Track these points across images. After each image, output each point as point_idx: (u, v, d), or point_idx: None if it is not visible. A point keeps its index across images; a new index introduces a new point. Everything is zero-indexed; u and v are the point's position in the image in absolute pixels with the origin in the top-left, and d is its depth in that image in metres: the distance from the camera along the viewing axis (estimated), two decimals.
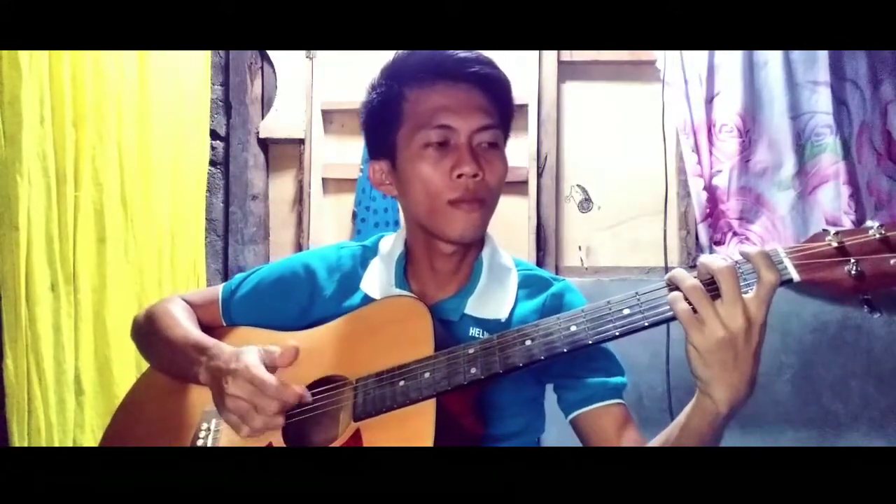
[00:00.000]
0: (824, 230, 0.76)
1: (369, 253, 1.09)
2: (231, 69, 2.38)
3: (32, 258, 1.48)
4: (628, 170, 2.34)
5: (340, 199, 2.43)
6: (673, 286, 0.76)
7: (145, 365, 1.12)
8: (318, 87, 2.38)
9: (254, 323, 1.07)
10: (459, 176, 0.93)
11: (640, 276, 2.29)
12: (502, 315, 0.99)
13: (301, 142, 2.40)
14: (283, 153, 2.47)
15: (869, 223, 0.74)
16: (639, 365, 2.10)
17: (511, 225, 2.29)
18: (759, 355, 0.73)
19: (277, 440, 0.89)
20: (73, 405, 1.57)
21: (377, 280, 1.03)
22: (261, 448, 0.89)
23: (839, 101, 2.15)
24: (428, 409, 0.83)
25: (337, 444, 0.87)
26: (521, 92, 2.27)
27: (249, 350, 0.93)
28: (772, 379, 2.15)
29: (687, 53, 2.21)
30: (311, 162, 2.38)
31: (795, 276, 0.74)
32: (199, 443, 0.96)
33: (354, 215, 2.34)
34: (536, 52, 2.31)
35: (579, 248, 2.36)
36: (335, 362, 0.95)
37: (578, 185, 2.38)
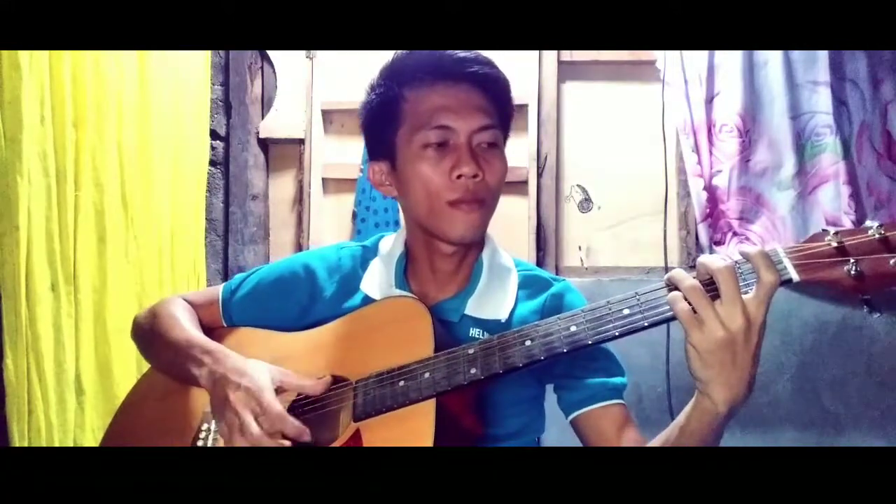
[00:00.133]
0: (824, 230, 0.76)
1: (369, 253, 1.09)
2: (231, 69, 2.38)
3: (33, 258, 1.48)
4: (628, 170, 2.34)
5: (340, 199, 2.43)
6: (672, 286, 0.76)
7: (146, 365, 1.12)
8: (318, 87, 2.38)
9: (253, 323, 1.07)
10: (459, 176, 0.93)
11: (640, 276, 2.29)
12: (502, 316, 0.99)
13: (301, 142, 2.40)
14: (283, 153, 2.47)
15: (868, 223, 0.74)
16: (639, 365, 2.10)
17: (511, 225, 2.29)
18: (758, 356, 0.74)
19: None
20: (73, 405, 1.57)
21: (377, 281, 1.03)
22: (261, 448, 0.89)
23: (839, 101, 2.15)
24: (428, 409, 0.83)
25: (337, 444, 0.87)
26: (521, 92, 2.27)
27: (262, 369, 0.92)
28: (772, 379, 2.15)
29: (687, 53, 2.21)
30: (311, 162, 2.38)
31: (795, 276, 0.74)
32: (199, 443, 0.96)
33: (354, 215, 2.34)
34: (536, 52, 2.31)
35: (579, 248, 2.36)
36: (335, 362, 0.95)
37: (578, 185, 2.38)
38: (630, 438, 0.95)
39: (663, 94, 2.22)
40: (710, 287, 0.73)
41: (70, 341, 1.57)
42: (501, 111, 1.00)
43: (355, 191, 2.34)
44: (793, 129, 2.16)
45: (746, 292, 0.72)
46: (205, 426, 0.97)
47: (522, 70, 2.30)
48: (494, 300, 1.00)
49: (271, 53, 2.42)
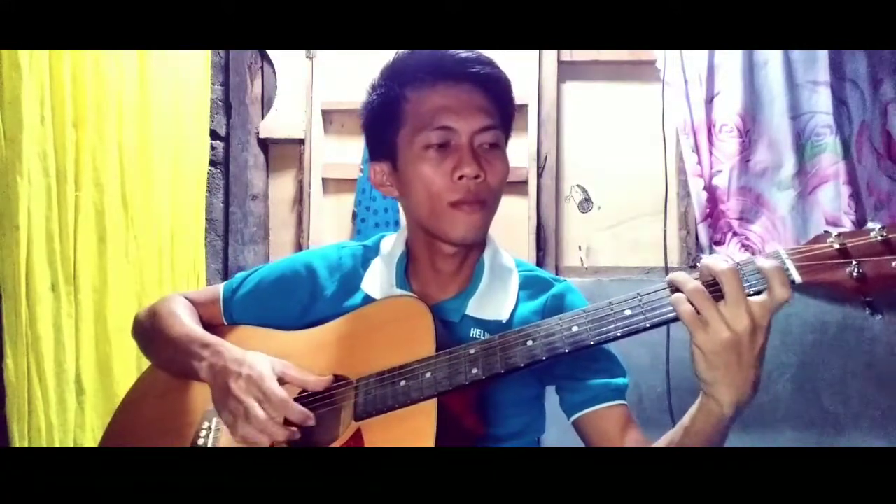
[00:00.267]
0: (826, 232, 0.76)
1: (370, 253, 1.09)
2: (231, 69, 2.38)
3: (33, 258, 1.48)
4: (628, 170, 2.34)
5: (340, 199, 2.43)
6: (674, 288, 0.76)
7: (146, 365, 1.12)
8: (318, 87, 2.38)
9: (254, 322, 1.07)
10: (461, 177, 0.93)
11: (640, 277, 2.29)
12: (503, 316, 0.99)
13: (301, 142, 2.40)
14: (283, 153, 2.47)
15: (871, 225, 0.74)
16: (639, 366, 2.10)
17: (511, 225, 2.29)
18: (762, 357, 0.74)
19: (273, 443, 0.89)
20: (73, 405, 1.57)
21: (378, 280, 1.03)
22: (261, 448, 0.89)
23: (839, 101, 2.15)
24: (429, 408, 0.83)
25: (338, 443, 0.87)
26: (521, 92, 2.27)
27: (262, 358, 0.93)
28: (772, 379, 2.15)
29: (687, 53, 2.21)
30: (311, 162, 2.38)
31: (797, 278, 0.74)
32: (200, 442, 0.96)
33: (354, 215, 2.34)
34: (536, 52, 2.31)
35: (579, 248, 2.36)
36: (336, 362, 0.95)
37: (578, 185, 2.38)
38: (633, 439, 0.95)
39: (663, 94, 2.22)
40: (713, 289, 0.73)
41: (70, 341, 1.57)
42: (503, 111, 0.99)
43: (355, 191, 2.34)
44: (793, 129, 2.16)
45: (749, 294, 0.72)
46: (206, 424, 0.97)
47: (522, 70, 2.30)
48: (496, 301, 1.00)
49: (271, 53, 2.42)
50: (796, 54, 2.16)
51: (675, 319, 0.75)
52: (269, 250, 2.46)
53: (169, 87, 1.95)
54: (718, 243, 2.22)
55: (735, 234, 2.21)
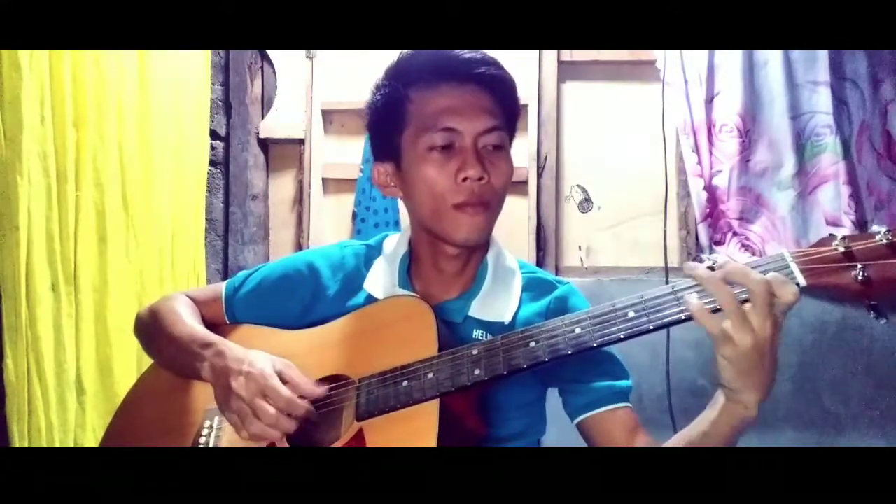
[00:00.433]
0: (831, 235, 0.76)
1: (373, 252, 1.09)
2: (231, 69, 2.38)
3: (33, 258, 1.48)
4: (628, 170, 2.34)
5: (340, 199, 2.43)
6: (680, 292, 0.76)
7: (146, 364, 1.12)
8: (318, 87, 2.38)
9: (256, 321, 1.07)
10: (464, 179, 0.93)
11: (640, 277, 2.29)
12: (506, 318, 0.99)
13: (301, 142, 2.40)
14: (283, 153, 2.47)
15: (876, 228, 0.73)
16: (639, 366, 2.10)
17: (511, 225, 2.29)
18: (777, 357, 0.75)
19: (280, 439, 0.89)
20: (73, 405, 1.57)
21: (381, 280, 1.03)
22: (262, 448, 0.89)
23: (839, 101, 2.15)
24: (432, 409, 0.83)
25: (339, 443, 0.87)
26: (521, 92, 2.23)
27: (263, 357, 0.92)
28: None
29: (687, 53, 2.21)
30: (311, 162, 2.38)
31: (802, 281, 0.74)
32: (202, 441, 0.96)
33: (354, 215, 2.34)
34: (536, 52, 2.31)
35: (579, 248, 2.36)
36: (338, 361, 0.95)
37: (578, 185, 2.38)
38: (641, 442, 0.95)
39: (663, 94, 2.22)
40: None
41: (70, 341, 1.57)
42: (507, 112, 0.99)
43: (355, 191, 2.34)
44: (793, 129, 2.16)
45: (743, 299, 0.72)
46: (207, 423, 0.97)
47: (522, 70, 2.29)
48: (498, 302, 1.00)
49: (271, 53, 2.42)
50: (796, 54, 2.16)
51: (679, 322, 0.75)
52: (269, 250, 2.46)
53: (169, 87, 1.95)
54: (718, 243, 2.22)
55: (735, 234, 2.21)
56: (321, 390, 0.91)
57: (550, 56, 2.33)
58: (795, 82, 2.16)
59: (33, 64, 1.47)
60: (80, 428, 1.58)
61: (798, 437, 2.13)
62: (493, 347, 0.84)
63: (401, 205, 2.24)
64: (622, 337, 0.78)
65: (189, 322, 1.04)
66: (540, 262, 2.27)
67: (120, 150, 1.73)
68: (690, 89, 2.21)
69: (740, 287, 0.73)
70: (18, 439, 1.45)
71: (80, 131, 1.61)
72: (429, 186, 0.94)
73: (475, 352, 0.85)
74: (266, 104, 2.45)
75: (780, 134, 2.16)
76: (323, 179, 2.41)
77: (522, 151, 2.29)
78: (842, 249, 0.74)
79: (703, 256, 2.26)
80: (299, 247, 2.41)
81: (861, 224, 2.12)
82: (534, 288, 1.04)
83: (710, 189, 2.21)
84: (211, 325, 1.07)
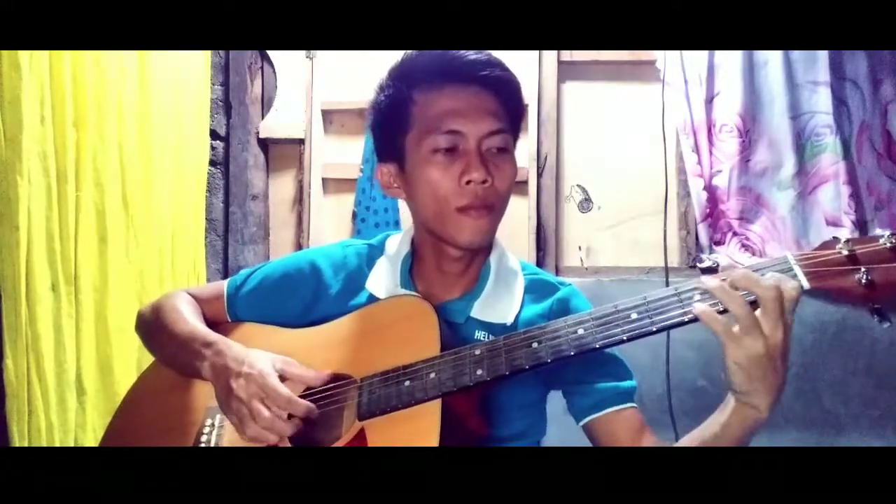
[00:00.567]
0: (834, 238, 0.75)
1: (375, 252, 1.08)
2: (231, 69, 2.38)
3: (33, 258, 1.48)
4: (628, 170, 2.34)
5: (340, 199, 2.43)
6: (682, 294, 0.76)
7: (146, 364, 1.12)
8: (318, 87, 2.38)
9: (258, 319, 1.06)
10: (468, 182, 0.92)
11: (640, 277, 2.29)
12: (508, 319, 0.99)
13: (301, 142, 2.40)
14: (283, 153, 2.47)
15: (879, 231, 0.73)
16: (639, 365, 2.07)
17: (511, 225, 2.28)
18: (788, 359, 0.75)
19: (277, 442, 0.89)
20: (74, 405, 1.57)
21: (383, 280, 1.03)
22: (263, 447, 0.89)
23: (839, 101, 2.15)
24: (433, 409, 0.83)
25: (341, 443, 0.87)
26: (522, 92, 2.27)
27: (263, 356, 0.92)
28: None
29: (687, 53, 2.21)
30: (311, 162, 2.38)
31: (805, 284, 0.74)
32: (203, 439, 0.95)
33: (354, 215, 2.34)
34: (536, 52, 2.31)
35: (579, 248, 2.36)
36: (340, 361, 0.95)
37: (578, 185, 2.38)
38: (648, 442, 0.95)
39: (663, 94, 2.22)
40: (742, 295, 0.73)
41: (70, 341, 1.57)
42: (512, 114, 0.98)
43: (355, 191, 2.34)
44: (793, 129, 2.16)
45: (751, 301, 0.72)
46: (209, 422, 0.97)
47: (522, 70, 2.29)
48: (501, 304, 1.00)
49: (271, 53, 2.42)
50: (796, 54, 2.16)
51: (682, 323, 0.75)
52: (269, 250, 2.46)
53: (169, 87, 1.95)
54: (718, 243, 2.22)
55: (735, 234, 2.21)
56: (324, 374, 0.91)
57: (550, 56, 2.33)
58: (795, 82, 2.16)
59: (33, 64, 1.47)
60: (80, 428, 1.58)
61: (798, 437, 2.13)
62: (496, 348, 0.84)
63: (401, 205, 2.24)
64: (625, 338, 0.78)
65: (190, 320, 1.04)
66: (540, 263, 2.26)
67: (120, 150, 1.73)
68: (690, 89, 2.21)
69: (747, 293, 0.73)
70: (18, 439, 1.45)
71: (80, 131, 1.61)
72: (432, 189, 0.94)
73: (478, 352, 0.85)
74: (266, 104, 2.45)
75: (780, 134, 2.16)
76: (323, 179, 2.41)
77: (522, 151, 2.29)
78: (845, 252, 0.73)
79: (703, 256, 2.28)
80: (299, 247, 2.41)
81: (861, 224, 2.13)
82: (536, 289, 1.04)
83: (710, 189, 2.21)
84: (212, 323, 1.07)
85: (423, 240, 1.02)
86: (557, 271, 2.29)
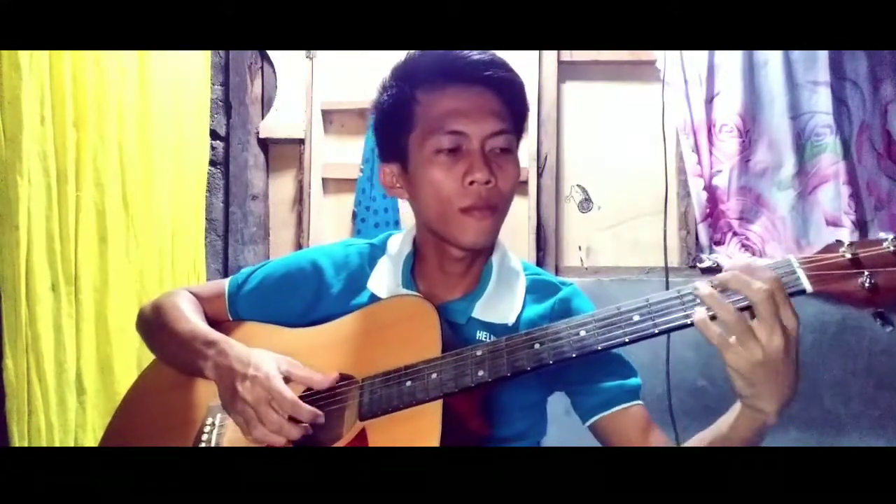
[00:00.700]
0: (838, 241, 0.75)
1: (377, 251, 1.08)
2: (231, 69, 2.38)
3: (33, 258, 1.48)
4: (628, 170, 2.34)
5: (340, 199, 2.43)
6: (685, 295, 0.75)
7: (147, 363, 1.11)
8: (318, 87, 2.38)
9: (259, 318, 1.06)
10: (471, 183, 0.92)
11: (640, 277, 2.29)
12: (510, 320, 0.99)
13: (301, 142, 2.40)
14: (283, 153, 2.47)
15: (883, 235, 0.73)
16: (639, 365, 2.08)
17: (511, 225, 2.27)
18: (799, 359, 0.73)
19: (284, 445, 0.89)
20: (74, 405, 1.57)
21: (384, 279, 1.03)
22: (264, 447, 0.89)
23: (839, 101, 2.15)
24: (435, 409, 0.83)
25: (342, 443, 0.87)
26: None
27: (267, 357, 0.92)
28: None
29: (687, 53, 2.21)
30: (311, 162, 2.38)
31: (808, 288, 0.73)
32: (204, 438, 0.95)
33: (354, 215, 2.34)
34: (536, 52, 2.31)
35: (579, 248, 2.36)
36: (342, 360, 0.94)
37: (578, 185, 2.38)
38: (656, 439, 0.95)
39: (663, 94, 2.22)
40: (735, 300, 0.73)
41: (70, 341, 1.57)
42: (515, 115, 0.98)
43: (355, 191, 2.34)
44: (793, 129, 2.16)
45: (742, 307, 0.72)
46: (210, 420, 0.96)
47: (522, 70, 2.28)
48: (502, 304, 1.00)
49: (271, 53, 2.42)
50: (796, 54, 2.16)
51: (685, 326, 0.75)
52: (269, 250, 2.46)
53: (169, 87, 1.95)
54: (718, 243, 2.22)
55: (735, 234, 2.21)
56: (331, 378, 0.91)
57: (550, 56, 2.33)
58: (795, 82, 2.16)
59: (33, 64, 1.47)
60: (80, 428, 1.58)
61: (799, 437, 2.13)
62: (498, 349, 0.84)
63: (401, 205, 2.24)
64: (627, 340, 0.78)
65: (192, 318, 1.04)
66: (540, 262, 2.26)
67: (120, 150, 1.73)
68: (690, 89, 2.21)
69: (740, 296, 0.72)
70: (18, 439, 1.45)
71: (80, 131, 1.61)
72: (435, 189, 0.93)
73: (479, 353, 0.85)
74: (266, 104, 2.45)
75: (780, 134, 2.17)
76: (323, 179, 2.41)
77: (522, 151, 2.28)
78: (849, 256, 0.73)
79: (703, 256, 2.28)
80: (299, 247, 2.41)
81: (861, 224, 2.13)
82: (538, 290, 1.04)
83: (710, 189, 2.21)
84: (213, 321, 1.07)
85: (425, 240, 1.02)
86: (557, 271, 2.29)
